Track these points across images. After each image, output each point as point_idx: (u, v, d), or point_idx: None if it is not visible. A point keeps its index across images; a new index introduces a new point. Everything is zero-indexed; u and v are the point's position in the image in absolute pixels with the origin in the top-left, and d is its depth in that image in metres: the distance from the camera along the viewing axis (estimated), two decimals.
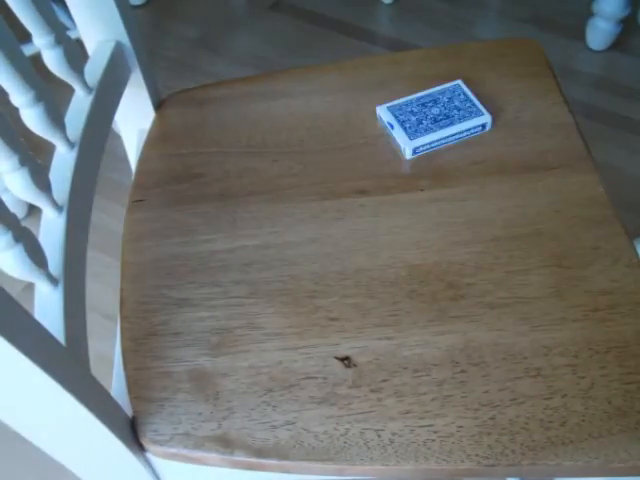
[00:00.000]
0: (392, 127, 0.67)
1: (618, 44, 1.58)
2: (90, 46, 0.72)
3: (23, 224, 0.48)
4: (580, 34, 1.61)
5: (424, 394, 0.55)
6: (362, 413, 0.55)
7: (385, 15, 1.74)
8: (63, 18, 1.34)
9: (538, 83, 0.76)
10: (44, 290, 0.53)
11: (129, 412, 0.57)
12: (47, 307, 0.53)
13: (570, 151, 0.69)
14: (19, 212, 1.33)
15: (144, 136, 0.77)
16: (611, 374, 0.55)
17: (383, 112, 0.69)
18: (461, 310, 0.59)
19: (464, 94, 0.68)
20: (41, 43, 0.60)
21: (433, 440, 0.53)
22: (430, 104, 0.67)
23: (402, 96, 0.74)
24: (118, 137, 0.85)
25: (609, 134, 1.43)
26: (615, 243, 0.62)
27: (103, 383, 0.52)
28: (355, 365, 0.57)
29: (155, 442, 0.55)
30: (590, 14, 1.55)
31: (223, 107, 0.78)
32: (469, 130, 0.67)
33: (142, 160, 0.74)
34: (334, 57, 1.62)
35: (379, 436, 0.53)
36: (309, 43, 1.68)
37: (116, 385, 0.61)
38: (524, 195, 0.66)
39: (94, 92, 0.66)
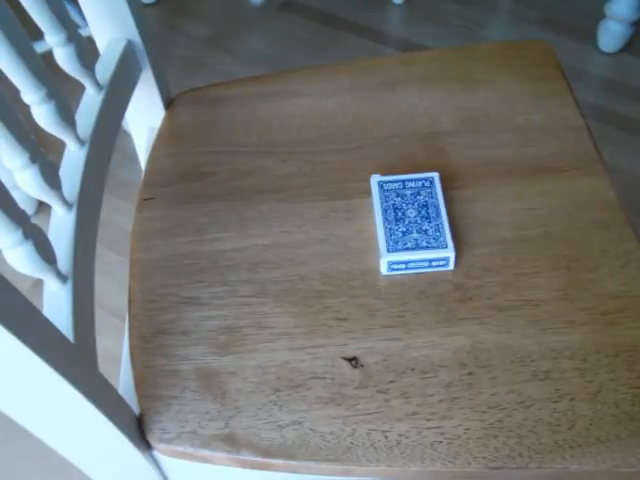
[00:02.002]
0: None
1: (630, 46, 1.57)
2: (101, 44, 0.72)
3: (32, 221, 0.48)
4: (592, 36, 1.61)
5: (431, 396, 0.55)
6: (369, 414, 0.55)
7: (395, 16, 1.74)
8: (75, 16, 1.35)
9: (549, 85, 0.75)
10: (53, 287, 0.53)
11: (136, 410, 0.57)
12: (56, 304, 0.53)
13: (581, 154, 0.69)
14: (28, 209, 1.34)
15: (154, 134, 0.77)
16: (620, 378, 0.55)
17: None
18: (469, 312, 0.59)
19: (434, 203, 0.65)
20: (53, 41, 0.60)
21: (440, 442, 0.53)
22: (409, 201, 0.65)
23: (414, 95, 0.75)
24: (128, 135, 0.86)
25: (620, 137, 1.43)
26: (625, 247, 0.62)
27: (110, 381, 0.52)
28: (362, 366, 0.57)
29: (162, 440, 0.55)
30: (602, 16, 1.55)
31: (233, 106, 0.78)
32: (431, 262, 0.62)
33: (152, 158, 0.74)
34: (344, 57, 1.62)
35: (386, 437, 0.53)
36: (319, 43, 1.68)
37: (123, 383, 0.61)
38: (534, 197, 0.66)
39: (105, 90, 0.66)
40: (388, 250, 0.62)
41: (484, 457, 0.52)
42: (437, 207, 0.64)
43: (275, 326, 0.60)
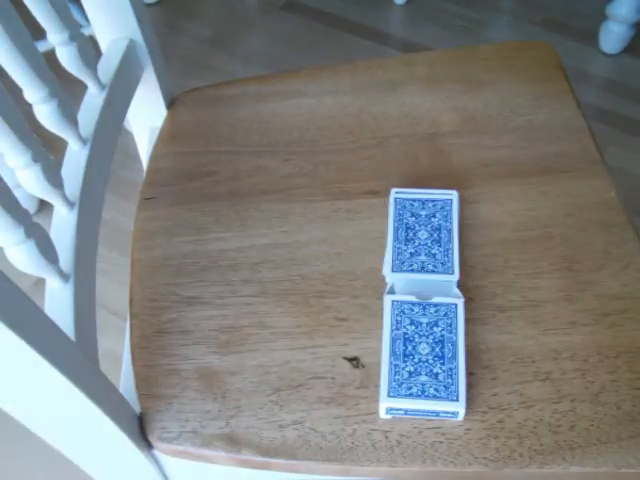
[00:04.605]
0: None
1: (631, 48, 1.57)
2: (103, 43, 0.72)
3: (34, 220, 0.48)
4: (593, 37, 1.61)
5: None
6: (370, 414, 0.55)
7: (397, 16, 1.74)
8: (77, 15, 1.35)
9: (551, 86, 0.75)
10: (55, 286, 0.53)
11: (137, 409, 0.57)
12: (57, 302, 0.53)
13: (582, 155, 0.69)
14: (30, 208, 1.34)
15: (156, 134, 0.77)
16: (620, 379, 0.55)
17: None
18: (470, 312, 0.59)
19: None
20: (55, 40, 0.60)
21: (441, 442, 0.53)
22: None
23: (415, 95, 0.75)
24: (130, 134, 0.86)
25: (621, 138, 1.42)
26: (626, 248, 0.62)
27: (111, 380, 0.52)
28: (363, 366, 0.57)
29: (162, 439, 0.55)
30: (603, 17, 1.55)
31: (235, 106, 0.78)
32: (439, 414, 0.54)
33: (153, 158, 0.74)
34: (346, 57, 1.62)
35: (386, 437, 0.53)
36: (321, 43, 1.68)
37: (124, 382, 0.61)
38: (535, 198, 0.66)
39: (107, 89, 0.66)
40: (389, 394, 0.54)
41: (484, 457, 0.52)
42: (454, 344, 0.56)
43: (276, 326, 0.60)
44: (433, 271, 0.60)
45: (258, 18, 1.77)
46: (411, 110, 0.75)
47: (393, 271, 0.60)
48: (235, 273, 0.64)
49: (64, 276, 0.53)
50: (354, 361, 0.57)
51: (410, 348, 0.55)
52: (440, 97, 0.76)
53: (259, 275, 0.63)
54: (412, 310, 0.57)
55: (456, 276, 0.60)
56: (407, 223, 0.63)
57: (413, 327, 0.56)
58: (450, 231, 0.62)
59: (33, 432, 0.50)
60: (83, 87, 0.65)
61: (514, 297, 0.60)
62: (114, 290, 1.21)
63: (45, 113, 0.56)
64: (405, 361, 0.55)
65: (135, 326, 0.61)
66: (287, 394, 0.56)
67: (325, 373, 0.57)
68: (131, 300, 0.63)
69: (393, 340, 0.56)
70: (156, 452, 0.57)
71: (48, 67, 0.55)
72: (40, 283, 0.58)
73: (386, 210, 0.65)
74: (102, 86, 0.66)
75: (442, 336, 0.56)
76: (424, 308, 0.57)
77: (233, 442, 0.54)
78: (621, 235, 0.63)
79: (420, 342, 0.55)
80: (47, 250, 0.50)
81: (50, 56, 0.61)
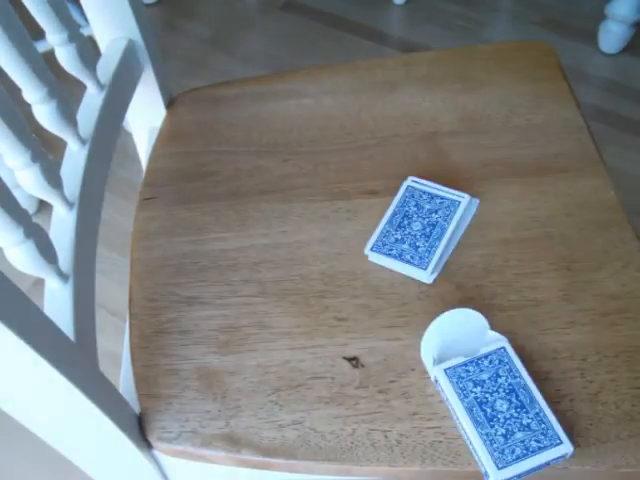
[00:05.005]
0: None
1: (630, 47, 1.58)
2: (102, 44, 0.72)
3: (33, 220, 0.48)
4: (592, 37, 1.61)
5: (431, 395, 0.55)
6: (369, 414, 0.55)
7: (396, 16, 1.74)
8: (76, 15, 1.35)
9: (550, 86, 0.75)
10: (54, 286, 0.53)
11: (137, 409, 0.57)
12: (57, 303, 0.53)
13: (581, 154, 0.69)
14: (29, 208, 1.34)
15: (155, 134, 0.77)
16: (620, 379, 0.55)
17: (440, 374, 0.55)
18: None
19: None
20: (54, 40, 0.60)
21: (440, 442, 0.53)
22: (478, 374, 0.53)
23: (415, 95, 0.75)
24: (129, 135, 0.86)
25: (620, 138, 1.43)
26: (625, 247, 0.62)
27: (111, 380, 0.52)
28: (363, 365, 0.57)
29: (162, 439, 0.55)
30: (603, 17, 1.55)
31: (234, 106, 0.78)
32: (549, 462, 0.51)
33: (153, 158, 0.74)
34: (345, 57, 1.62)
35: (386, 437, 0.53)
36: (320, 43, 1.68)
37: (124, 382, 0.61)
38: (534, 198, 0.66)
39: (106, 89, 0.66)
40: (498, 467, 0.49)
41: None
42: (525, 387, 0.53)
43: (276, 326, 0.60)
44: (409, 262, 0.61)
45: (258, 18, 1.77)
46: (410, 110, 0.75)
47: (372, 250, 0.62)
48: (235, 273, 0.64)
49: (63, 276, 0.53)
50: (353, 361, 0.57)
51: (489, 410, 0.52)
52: (439, 97, 0.76)
53: (259, 275, 0.63)
54: (468, 371, 0.54)
55: (429, 272, 0.60)
56: (407, 211, 0.64)
57: (479, 388, 0.53)
58: (444, 231, 0.62)
59: (33, 432, 0.50)
60: (82, 87, 0.65)
61: (513, 297, 0.60)
62: (113, 290, 1.21)
63: (44, 113, 0.56)
64: (492, 426, 0.51)
65: (134, 326, 0.61)
66: (287, 394, 0.56)
67: (325, 373, 0.57)
68: (130, 300, 0.63)
69: (468, 410, 0.52)
70: (156, 452, 0.57)
71: (47, 67, 0.55)
72: (39, 283, 0.58)
73: (386, 210, 0.65)
74: (101, 86, 0.66)
75: (510, 384, 0.53)
76: (477, 364, 0.54)
77: (233, 442, 0.54)
78: (620, 235, 0.63)
79: (494, 400, 0.52)
80: (46, 250, 0.50)
81: (49, 56, 0.61)
